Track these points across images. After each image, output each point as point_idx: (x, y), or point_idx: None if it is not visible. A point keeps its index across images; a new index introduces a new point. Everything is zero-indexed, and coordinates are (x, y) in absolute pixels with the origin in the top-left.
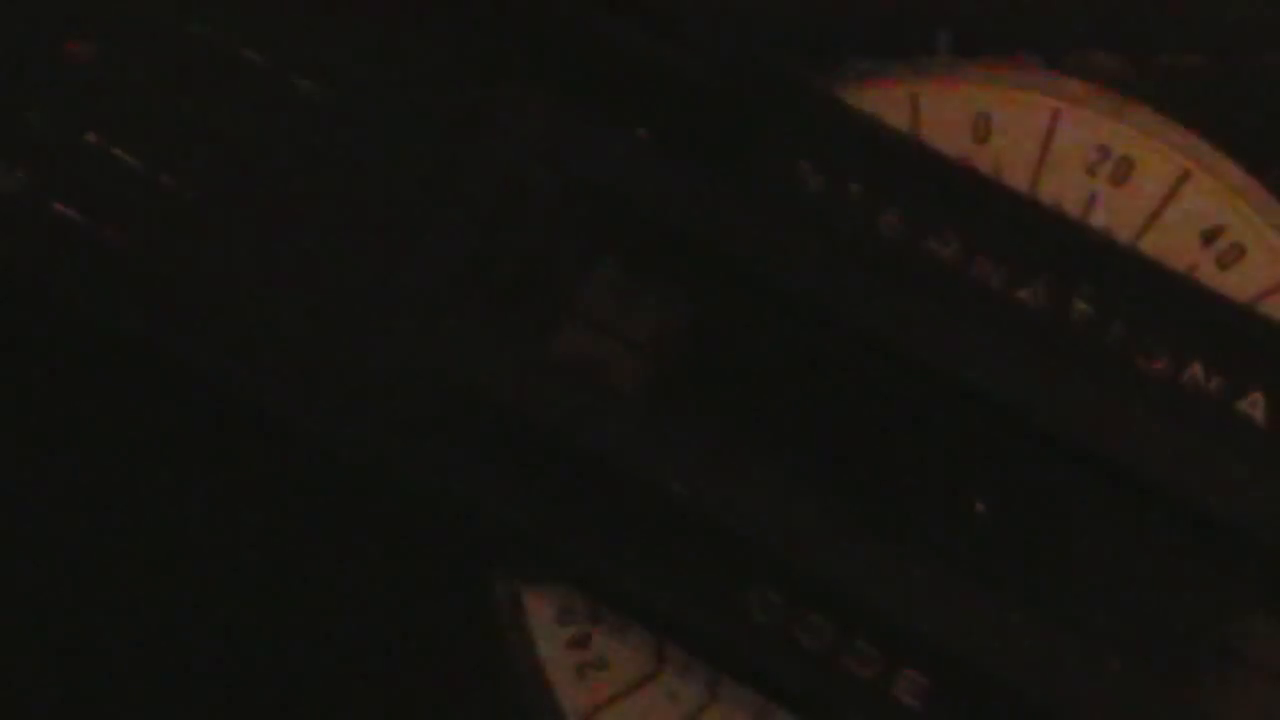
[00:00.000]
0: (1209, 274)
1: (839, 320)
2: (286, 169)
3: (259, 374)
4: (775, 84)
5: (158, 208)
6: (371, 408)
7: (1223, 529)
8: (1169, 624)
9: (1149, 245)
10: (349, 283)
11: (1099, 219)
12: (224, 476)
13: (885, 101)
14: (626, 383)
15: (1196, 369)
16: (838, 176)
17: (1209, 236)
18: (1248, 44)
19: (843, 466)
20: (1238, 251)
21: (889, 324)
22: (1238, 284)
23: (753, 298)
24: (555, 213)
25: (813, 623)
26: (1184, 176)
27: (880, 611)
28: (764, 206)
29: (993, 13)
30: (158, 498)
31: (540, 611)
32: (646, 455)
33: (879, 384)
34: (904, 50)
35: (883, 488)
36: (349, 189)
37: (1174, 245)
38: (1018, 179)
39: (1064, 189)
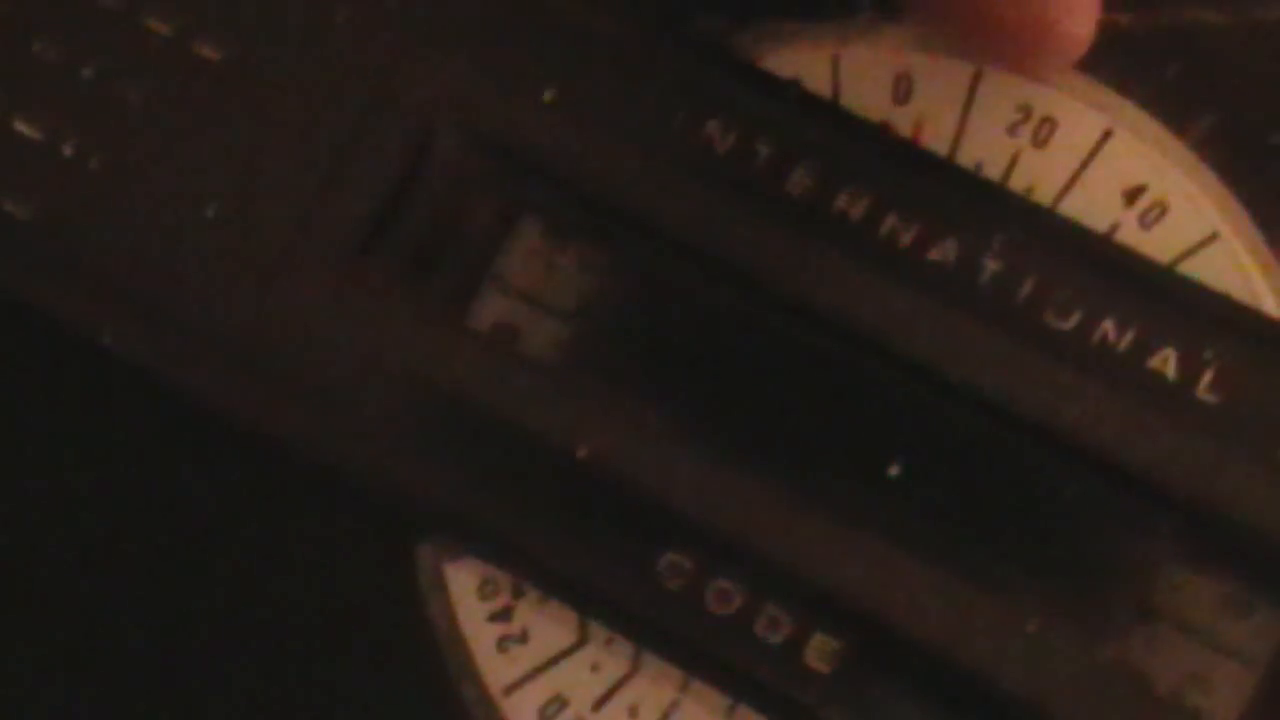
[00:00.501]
0: (1132, 233)
1: (751, 281)
2: (189, 136)
3: (166, 346)
4: (683, 44)
5: (59, 178)
6: (282, 379)
7: (1138, 484)
8: (1088, 581)
9: (1071, 205)
10: (255, 250)
11: (1021, 179)
12: (147, 444)
13: (806, 63)
14: (544, 348)
15: (1108, 326)
16: (746, 136)
17: (1131, 196)
18: (1175, 3)
19: (755, 429)
20: (1160, 210)
21: (799, 283)
22: (1160, 242)
23: (663, 258)
24: (466, 175)
25: (723, 588)
26: (1105, 135)
27: (791, 574)
28: (673, 166)
29: None
30: (68, 463)
31: (462, 584)
32: (550, 422)
33: (791, 345)
34: (826, 9)
35: (795, 449)
36: (253, 155)
37: (1096, 205)
38: (939, 140)
39: (986, 150)
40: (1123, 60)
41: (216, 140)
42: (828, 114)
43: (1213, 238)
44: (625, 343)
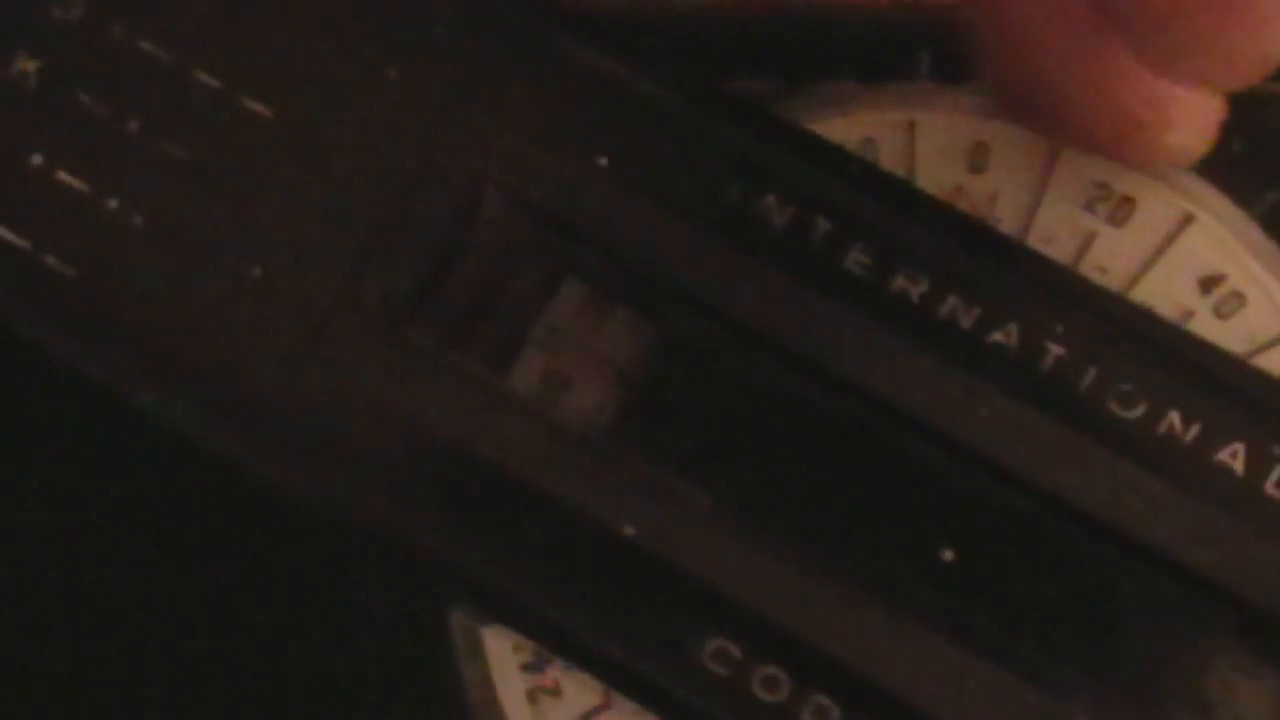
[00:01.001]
0: (1206, 322)
1: (804, 360)
2: (236, 193)
3: (207, 409)
4: (742, 112)
5: (103, 233)
6: (323, 445)
7: (1198, 581)
8: (1141, 679)
9: (1146, 289)
10: (300, 312)
11: (1095, 259)
12: (182, 509)
13: (881, 126)
14: (587, 414)
15: (1174, 417)
16: (803, 211)
17: (1208, 284)
18: None
19: (806, 513)
20: (1237, 301)
21: (853, 364)
22: (1236, 334)
23: (715, 336)
24: (513, 241)
25: (770, 675)
26: (1186, 220)
27: (840, 664)
28: (727, 239)
29: None
30: (113, 531)
31: (495, 636)
32: (596, 498)
33: (844, 427)
34: (884, 74)
35: (846, 535)
36: (300, 214)
37: (1172, 291)
38: (1014, 212)
39: (1061, 226)
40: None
41: (263, 198)
42: (889, 188)
43: None
44: (672, 417)
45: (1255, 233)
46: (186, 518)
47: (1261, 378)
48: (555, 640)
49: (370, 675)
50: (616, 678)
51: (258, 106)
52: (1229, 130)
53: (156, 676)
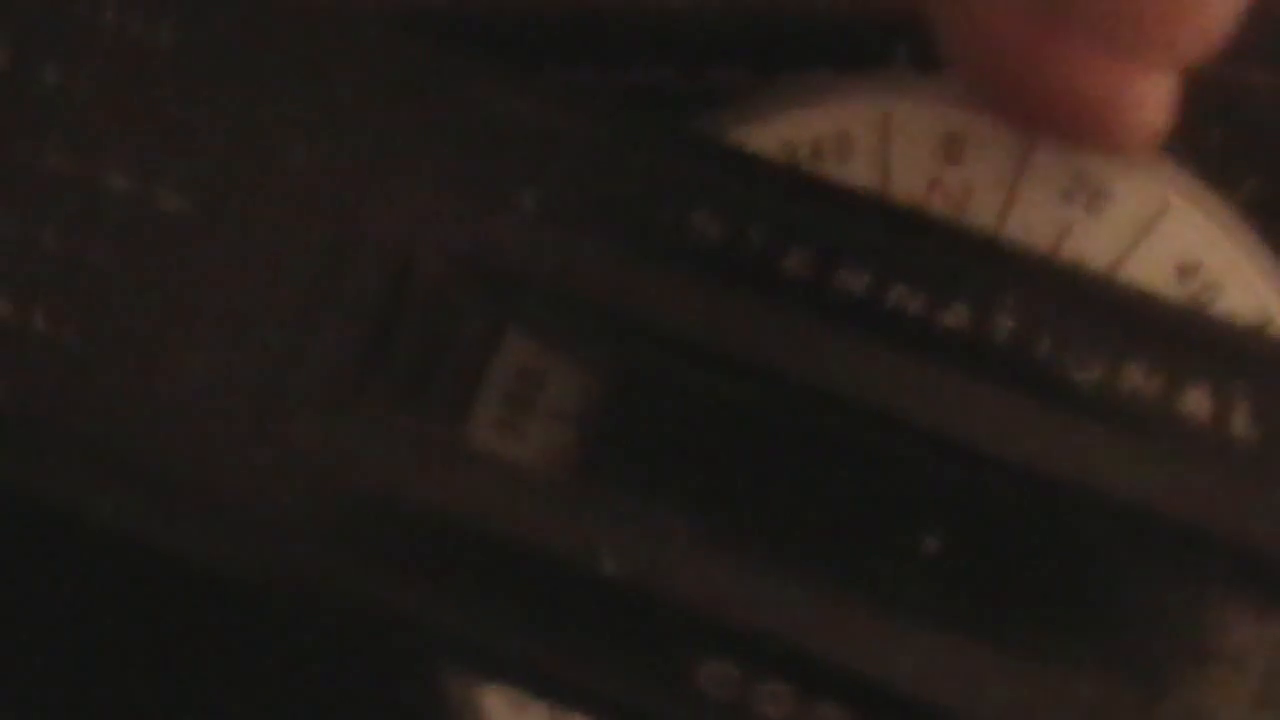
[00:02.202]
0: None
1: (757, 370)
2: (163, 292)
3: (166, 512)
4: (659, 135)
5: (34, 354)
6: (290, 527)
7: (1181, 532)
8: (1139, 637)
9: (1124, 277)
10: (246, 398)
11: (1073, 249)
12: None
13: (855, 120)
14: (548, 460)
15: (1134, 373)
16: (735, 223)
17: (1185, 271)
18: (1219, 62)
19: (782, 521)
20: (1215, 289)
21: (807, 366)
22: None
23: (665, 357)
24: (450, 293)
25: (772, 690)
26: (1163, 208)
27: (842, 669)
28: (663, 262)
29: None
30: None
31: (494, 697)
32: (572, 540)
33: (807, 430)
34: (861, 63)
35: (826, 538)
36: (233, 302)
37: (1149, 278)
38: (990, 204)
39: (1037, 217)
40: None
41: (192, 293)
42: (816, 188)
43: (1269, 321)
44: (634, 448)
45: (1232, 219)
46: (172, 595)
47: (1215, 323)
48: (550, 689)
49: None
50: (616, 717)
51: (173, 201)
52: (1209, 119)
53: None
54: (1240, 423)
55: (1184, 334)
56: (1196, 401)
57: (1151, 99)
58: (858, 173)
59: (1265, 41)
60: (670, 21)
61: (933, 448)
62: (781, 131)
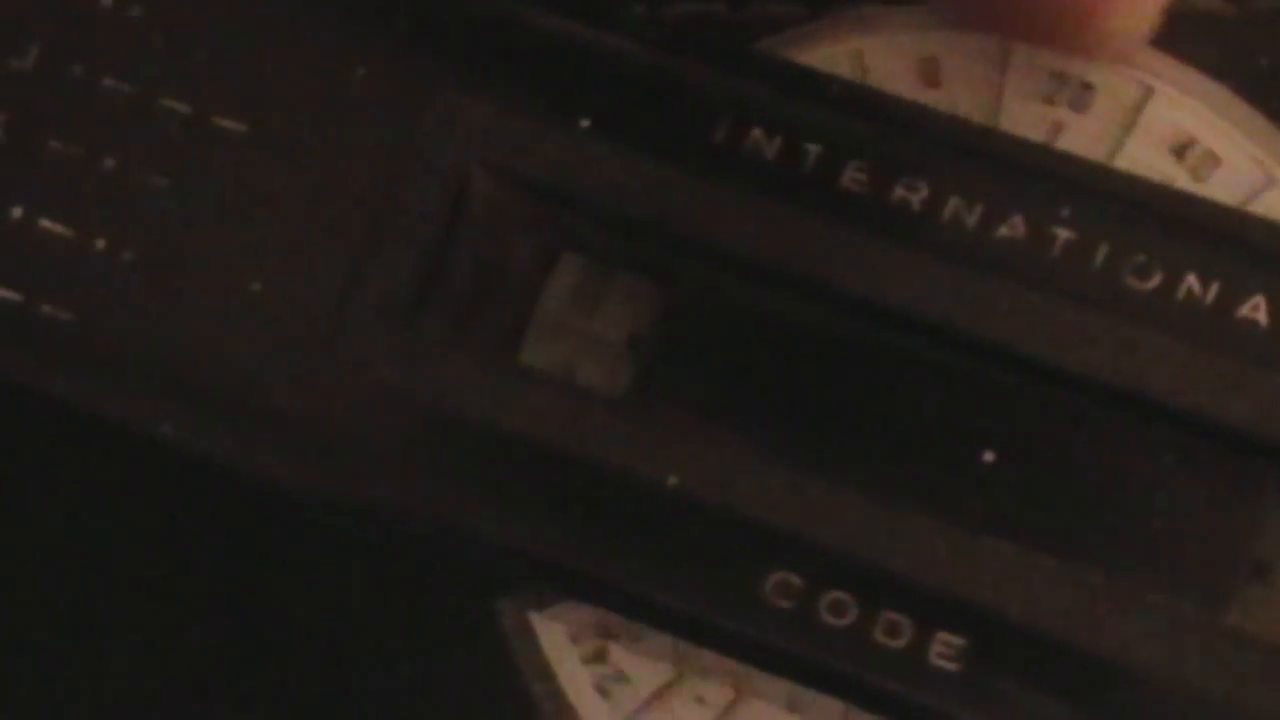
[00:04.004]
0: (1186, 187)
1: (816, 286)
2: (222, 214)
3: (226, 429)
4: (714, 53)
5: (95, 275)
6: (349, 447)
7: (1239, 440)
8: (1199, 547)
9: (1121, 166)
10: (304, 320)
11: (1065, 147)
12: (219, 515)
13: (828, 60)
14: (603, 382)
15: (1191, 281)
16: (791, 139)
17: (1180, 150)
18: None
19: (842, 434)
20: (1212, 161)
21: (866, 281)
22: (1217, 193)
23: (723, 275)
24: (507, 213)
25: (836, 600)
26: (1147, 94)
27: (904, 577)
28: (721, 180)
29: None
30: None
31: (551, 633)
32: (634, 453)
33: (866, 345)
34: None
35: (886, 450)
36: (289, 224)
37: (1145, 164)
38: (977, 118)
39: (1025, 122)
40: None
41: (250, 214)
42: (871, 103)
43: (1271, 183)
44: (692, 364)
45: (1219, 92)
46: (233, 533)
47: (1266, 225)
48: (619, 603)
49: (427, 679)
50: (684, 629)
51: (230, 123)
52: (1254, 45)
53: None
54: None
55: (1242, 241)
56: (1254, 309)
57: (1136, 2)
58: None
59: None
60: None
61: (991, 359)
62: None
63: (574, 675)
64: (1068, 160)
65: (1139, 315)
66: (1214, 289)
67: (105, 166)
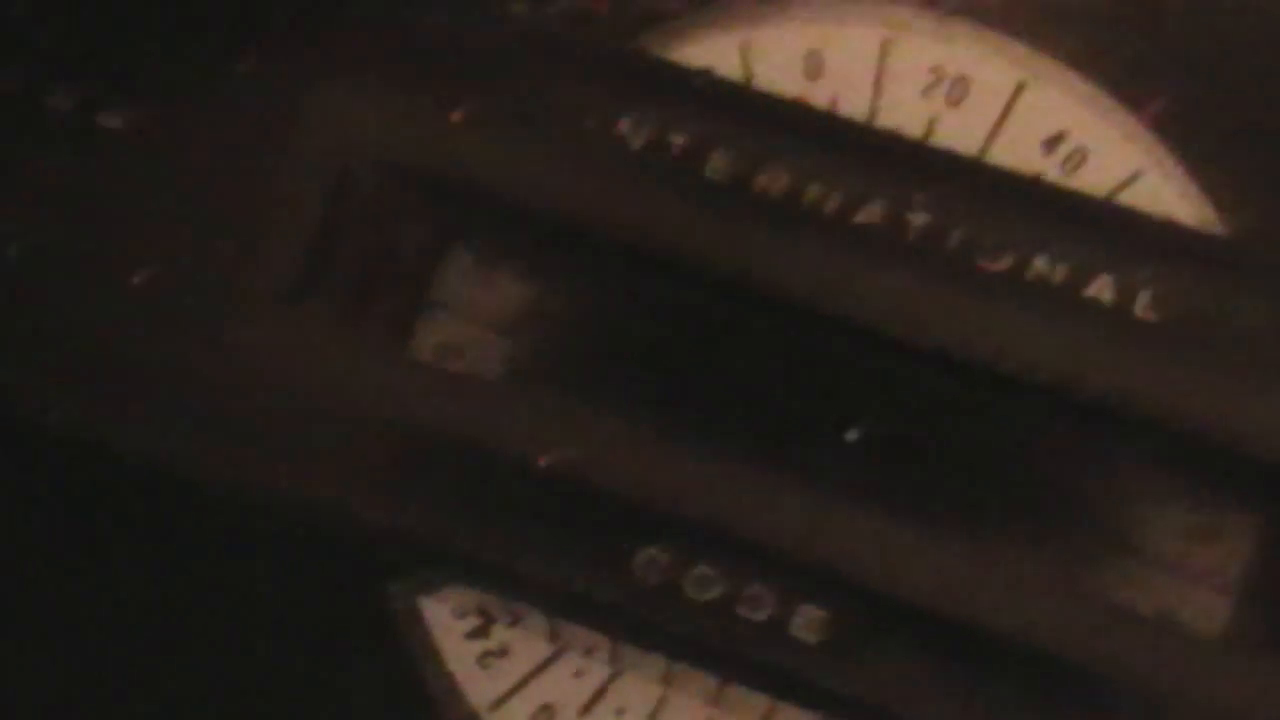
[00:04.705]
0: (1056, 180)
1: (681, 268)
2: (106, 208)
3: (110, 416)
4: (583, 46)
5: None
6: (234, 432)
7: (1093, 413)
8: (1059, 519)
9: (993, 158)
10: (189, 310)
11: (941, 140)
12: (105, 500)
13: (714, 53)
14: (490, 366)
15: (1040, 262)
16: (658, 129)
17: (1051, 144)
18: None
19: (710, 413)
20: (1080, 155)
21: (731, 265)
22: (1085, 185)
23: (594, 259)
24: (388, 207)
25: (702, 574)
26: (1019, 88)
27: (767, 551)
28: (590, 168)
29: None
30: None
31: (436, 608)
32: (509, 435)
33: (732, 325)
34: None
35: (752, 428)
36: (173, 217)
37: (1017, 157)
38: (855, 111)
39: (903, 114)
40: (1039, 21)
41: (134, 208)
42: (736, 95)
43: (1135, 176)
44: (569, 348)
45: (1089, 89)
46: (120, 517)
47: (1116, 210)
48: (494, 580)
49: (311, 651)
50: (557, 605)
51: (114, 120)
52: (1118, 34)
53: (101, 662)
54: (1142, 305)
55: (1089, 224)
56: (1100, 288)
57: None
58: None
59: None
60: None
61: (851, 338)
62: None
63: (457, 651)
64: (922, 148)
65: (994, 294)
66: (1062, 269)
67: None
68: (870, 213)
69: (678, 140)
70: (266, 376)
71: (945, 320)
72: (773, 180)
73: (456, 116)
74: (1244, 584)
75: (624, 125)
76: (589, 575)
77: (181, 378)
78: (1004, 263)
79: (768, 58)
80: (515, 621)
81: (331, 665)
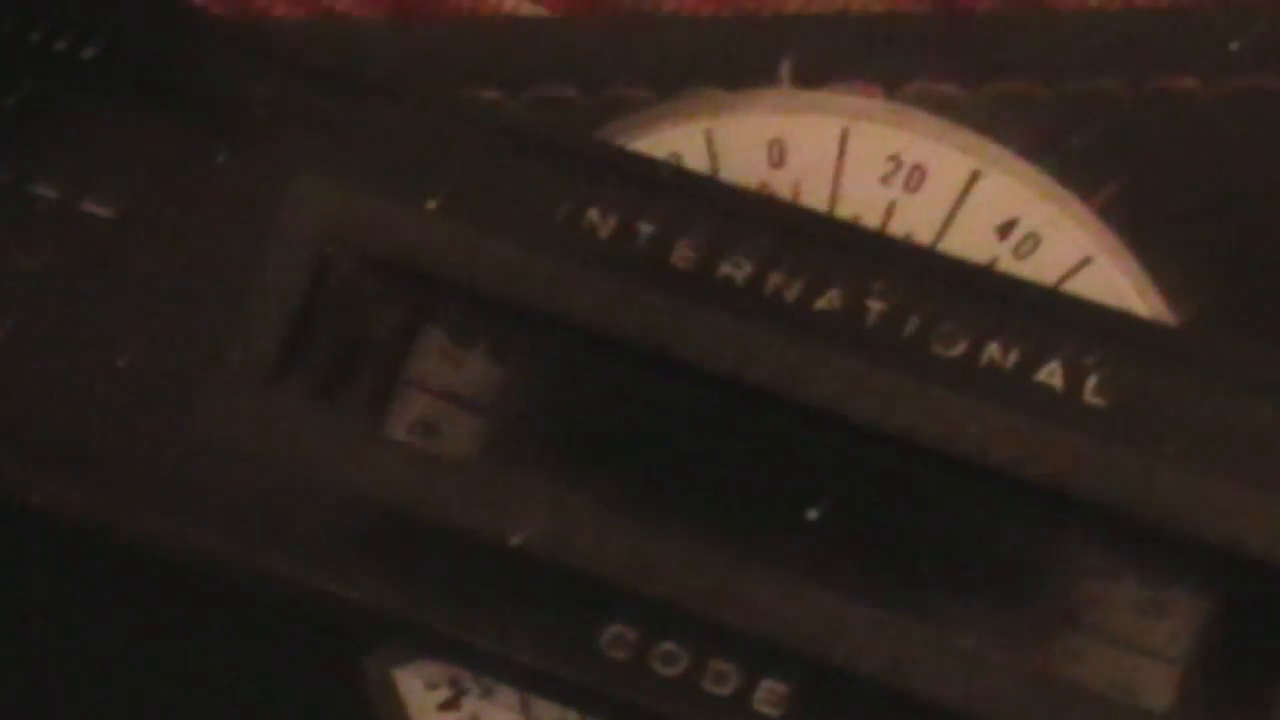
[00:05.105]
0: (1009, 265)
1: (649, 353)
2: (90, 294)
3: (90, 496)
4: (556, 138)
5: None
6: (210, 511)
7: (1042, 495)
8: (1009, 597)
9: (949, 245)
10: (169, 391)
11: (899, 226)
12: (84, 579)
13: (681, 138)
14: (464, 446)
15: (993, 348)
16: (625, 219)
17: (1004, 230)
18: (1076, 71)
19: (676, 495)
20: (1033, 241)
21: (694, 350)
22: (1036, 271)
23: (564, 345)
24: (364, 292)
25: (667, 651)
26: (974, 176)
27: (730, 628)
28: (560, 257)
29: (835, 43)
30: None
31: (410, 680)
32: (481, 514)
33: (697, 410)
34: (748, 79)
35: (717, 510)
36: (155, 302)
37: (972, 242)
38: (817, 197)
39: (862, 201)
40: (1031, 125)
41: (118, 294)
42: (701, 185)
43: (1086, 261)
44: (539, 427)
45: (1041, 177)
46: (93, 600)
47: (1067, 299)
48: (464, 655)
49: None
50: (524, 680)
51: (98, 208)
52: (1069, 125)
53: None
54: (1090, 390)
55: (1042, 312)
56: (1051, 374)
57: None
58: None
59: (1122, 50)
60: (572, 41)
61: (812, 422)
62: None
63: None
64: (881, 239)
65: (947, 379)
66: (1013, 355)
67: None
68: (830, 299)
69: (644, 229)
70: (244, 455)
71: (902, 404)
72: (736, 267)
73: (429, 205)
74: (1192, 658)
75: (592, 214)
76: (557, 650)
77: (161, 457)
78: (958, 349)
79: (732, 145)
80: (487, 694)
81: None
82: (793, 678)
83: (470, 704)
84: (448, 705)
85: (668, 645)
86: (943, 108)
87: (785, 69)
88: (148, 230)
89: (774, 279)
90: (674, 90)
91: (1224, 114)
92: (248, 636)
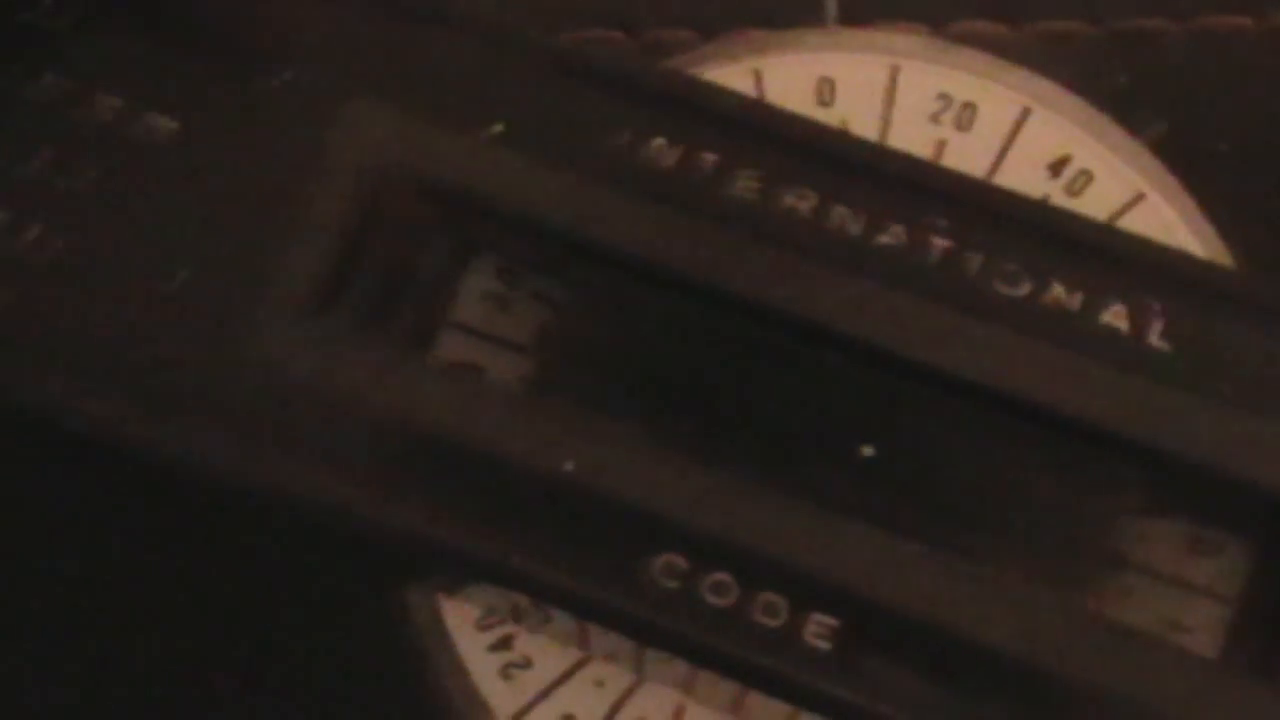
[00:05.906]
0: (1060, 202)
1: (707, 286)
2: (145, 212)
3: (144, 418)
4: (619, 66)
5: (24, 267)
6: (262, 436)
7: (1102, 438)
8: (1061, 538)
9: (1000, 181)
10: (220, 314)
11: (949, 164)
12: (132, 500)
13: (729, 78)
14: (509, 383)
15: (1058, 289)
16: (689, 149)
17: (1056, 167)
18: (1123, 9)
19: (731, 428)
20: (1085, 178)
21: (756, 284)
22: (1089, 208)
23: (620, 276)
24: (416, 220)
25: (719, 581)
26: (1025, 113)
27: (782, 561)
28: (621, 187)
29: None
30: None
31: (459, 619)
32: (533, 442)
33: (755, 344)
34: (792, 20)
35: (772, 444)
36: (209, 223)
37: (1024, 180)
38: (866, 136)
39: (912, 140)
40: (1075, 64)
41: (174, 213)
42: (764, 117)
43: (1139, 198)
44: (588, 366)
45: (1092, 114)
46: (143, 521)
47: (1130, 239)
48: (515, 583)
49: (334, 663)
50: (578, 608)
51: (153, 128)
52: (1116, 63)
53: (118, 671)
54: (1156, 334)
55: (1104, 252)
56: (1116, 315)
57: None
58: None
59: None
60: None
61: (870, 359)
62: None
63: (479, 662)
64: (946, 174)
65: (1011, 320)
66: (1078, 297)
67: (36, 162)
68: (894, 234)
69: (708, 160)
70: (293, 381)
71: (963, 345)
72: (799, 200)
73: (487, 134)
74: (1243, 597)
75: (654, 144)
76: (607, 578)
77: (210, 380)
78: (1022, 289)
79: (781, 85)
80: (542, 623)
81: (354, 677)
82: (842, 613)
83: (522, 644)
84: (498, 646)
85: (719, 575)
86: (987, 47)
87: (831, 7)
88: (203, 151)
89: (839, 213)
90: (716, 32)
91: (1273, 50)
92: (297, 578)
